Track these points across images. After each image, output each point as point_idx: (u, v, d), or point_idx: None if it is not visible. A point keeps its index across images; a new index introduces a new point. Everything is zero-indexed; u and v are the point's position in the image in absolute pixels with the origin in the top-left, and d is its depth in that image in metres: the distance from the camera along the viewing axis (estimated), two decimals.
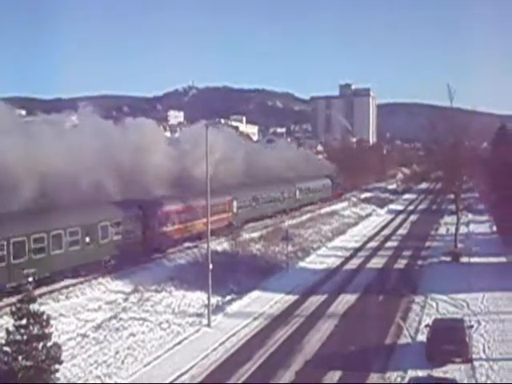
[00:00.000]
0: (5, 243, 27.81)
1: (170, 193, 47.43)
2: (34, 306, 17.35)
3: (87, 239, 33.43)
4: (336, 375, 22.38)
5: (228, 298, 34.24)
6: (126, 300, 31.64)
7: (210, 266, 29.25)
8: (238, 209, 55.06)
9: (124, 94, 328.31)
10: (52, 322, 18.34)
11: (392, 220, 76.35)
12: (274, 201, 65.06)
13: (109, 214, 35.91)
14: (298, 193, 73.48)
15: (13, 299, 23.45)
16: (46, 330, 17.30)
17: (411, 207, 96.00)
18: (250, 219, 57.83)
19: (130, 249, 37.06)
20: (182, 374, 22.42)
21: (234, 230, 48.45)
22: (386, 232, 64.73)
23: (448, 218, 70.77)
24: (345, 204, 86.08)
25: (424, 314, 30.57)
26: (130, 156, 47.76)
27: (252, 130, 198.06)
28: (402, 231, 66.21)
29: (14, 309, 17.34)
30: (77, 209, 34.56)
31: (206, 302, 29.56)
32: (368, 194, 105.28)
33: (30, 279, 27.44)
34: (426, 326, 25.67)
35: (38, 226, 30.11)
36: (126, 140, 49.56)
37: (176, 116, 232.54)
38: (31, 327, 17.06)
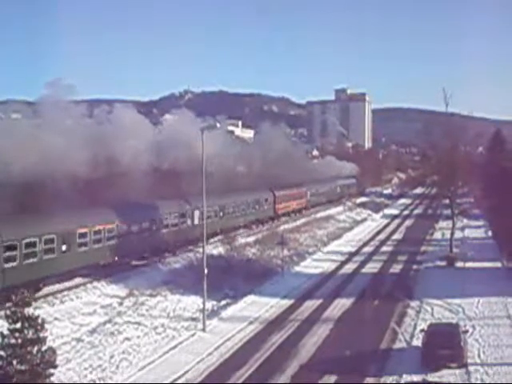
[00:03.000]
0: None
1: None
2: (28, 310, 17.26)
3: (255, 208, 61.13)
4: (331, 379, 22.36)
5: (223, 302, 34.21)
6: (120, 304, 31.63)
7: (206, 271, 29.24)
8: (310, 196, 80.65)
9: (119, 98, 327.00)
10: (47, 325, 18.24)
11: (387, 225, 76.49)
12: (326, 193, 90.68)
13: (262, 195, 63.41)
14: (338, 188, 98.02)
15: None
16: (41, 334, 17.19)
17: (406, 212, 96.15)
18: (314, 204, 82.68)
19: (269, 215, 65.41)
20: (177, 379, 22.36)
21: (307, 211, 77.82)
22: (382, 237, 64.81)
23: (443, 223, 70.78)
24: (340, 208, 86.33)
25: (419, 318, 30.54)
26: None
27: (248, 135, 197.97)
28: (398, 236, 66.29)
29: (8, 312, 17.25)
30: (246, 192, 59.50)
31: (201, 306, 29.46)
32: (363, 199, 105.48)
33: None
34: (421, 330, 25.66)
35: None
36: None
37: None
38: (26, 331, 16.93)
